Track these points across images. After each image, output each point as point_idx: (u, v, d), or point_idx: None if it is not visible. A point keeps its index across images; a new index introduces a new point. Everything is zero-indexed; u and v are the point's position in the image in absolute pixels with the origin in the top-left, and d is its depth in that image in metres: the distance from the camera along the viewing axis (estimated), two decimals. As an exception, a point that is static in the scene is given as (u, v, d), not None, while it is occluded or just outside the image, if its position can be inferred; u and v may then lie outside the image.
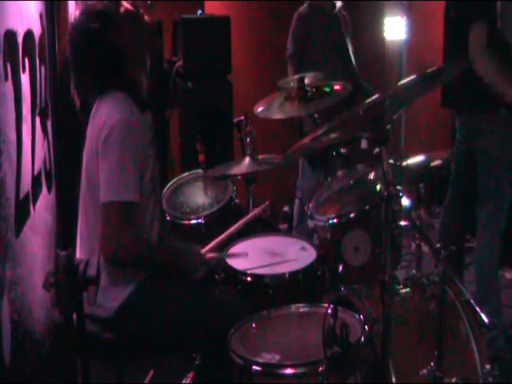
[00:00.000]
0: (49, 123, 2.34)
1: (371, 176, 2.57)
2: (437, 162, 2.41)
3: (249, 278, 2.47)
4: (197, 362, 2.46)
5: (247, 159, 2.97)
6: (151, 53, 2.37)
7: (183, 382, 2.71)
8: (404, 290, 2.38)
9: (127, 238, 2.13)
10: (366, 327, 2.03)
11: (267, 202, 2.83)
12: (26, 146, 1.89)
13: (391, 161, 2.32)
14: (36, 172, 2.06)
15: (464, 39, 3.25)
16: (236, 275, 2.49)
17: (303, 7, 4.29)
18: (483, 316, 2.17)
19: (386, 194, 1.85)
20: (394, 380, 2.09)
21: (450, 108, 3.63)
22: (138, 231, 2.21)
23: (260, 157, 3.00)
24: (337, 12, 4.24)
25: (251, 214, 2.78)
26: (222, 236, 2.52)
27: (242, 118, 3.29)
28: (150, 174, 2.25)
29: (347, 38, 4.31)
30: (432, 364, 2.11)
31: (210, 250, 2.44)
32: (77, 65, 2.30)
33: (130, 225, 2.14)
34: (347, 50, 4.29)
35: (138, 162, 2.17)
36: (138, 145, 2.17)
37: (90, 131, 2.27)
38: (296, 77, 2.97)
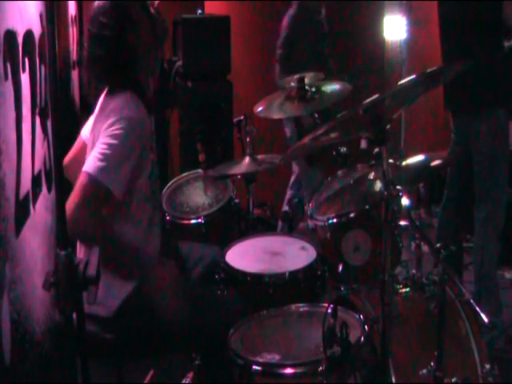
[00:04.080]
0: (49, 123, 2.33)
1: (371, 176, 2.57)
2: (436, 162, 2.41)
3: (249, 278, 2.47)
4: (197, 362, 2.46)
5: (247, 159, 2.96)
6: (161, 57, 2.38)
7: (183, 381, 2.71)
8: (404, 290, 2.39)
9: (82, 216, 2.06)
10: (366, 327, 2.03)
11: None
12: (25, 145, 1.89)
13: (391, 161, 2.32)
14: (36, 172, 2.06)
15: (462, 40, 3.26)
16: (236, 275, 2.49)
17: (293, 8, 4.33)
18: (483, 316, 2.17)
19: (386, 193, 1.85)
20: (393, 380, 2.09)
21: (448, 109, 3.63)
22: (98, 217, 2.14)
23: (260, 157, 3.00)
24: (322, 15, 4.34)
25: None
26: None
27: (242, 117, 3.29)
28: (145, 178, 2.23)
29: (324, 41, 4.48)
30: (432, 364, 2.11)
31: None
32: (91, 56, 2.28)
33: (93, 207, 2.08)
34: (325, 52, 4.45)
35: (134, 162, 2.14)
36: (138, 145, 2.16)
37: (94, 129, 2.25)
38: (296, 77, 2.97)
